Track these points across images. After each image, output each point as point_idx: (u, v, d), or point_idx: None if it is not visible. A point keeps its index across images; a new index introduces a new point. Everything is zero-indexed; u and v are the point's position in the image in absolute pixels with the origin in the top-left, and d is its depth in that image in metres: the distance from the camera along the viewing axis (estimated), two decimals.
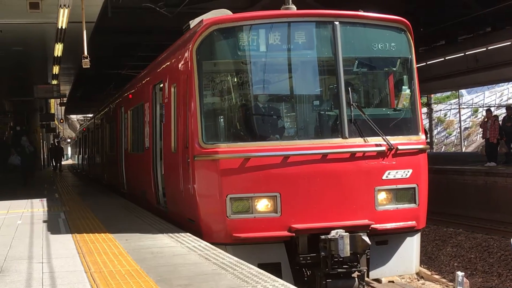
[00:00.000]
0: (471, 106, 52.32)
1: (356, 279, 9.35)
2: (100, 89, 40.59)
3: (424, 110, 46.02)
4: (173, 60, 11.20)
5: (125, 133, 17.93)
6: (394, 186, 9.71)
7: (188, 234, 9.82)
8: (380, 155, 9.62)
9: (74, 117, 77.82)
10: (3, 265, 7.95)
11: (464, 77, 31.31)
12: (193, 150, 9.60)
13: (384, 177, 9.61)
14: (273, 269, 8.69)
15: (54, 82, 27.14)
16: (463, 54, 29.21)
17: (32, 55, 22.74)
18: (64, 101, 40.62)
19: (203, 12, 10.89)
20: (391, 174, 9.66)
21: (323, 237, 9.03)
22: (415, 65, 10.35)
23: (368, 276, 9.85)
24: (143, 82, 14.85)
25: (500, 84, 46.95)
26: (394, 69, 10.41)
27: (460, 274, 11.57)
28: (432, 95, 50.47)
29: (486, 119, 23.42)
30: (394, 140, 9.71)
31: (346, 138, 9.53)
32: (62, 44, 18.55)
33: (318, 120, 10.00)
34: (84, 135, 38.04)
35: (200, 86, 9.62)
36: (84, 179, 33.38)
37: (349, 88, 9.63)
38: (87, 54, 15.44)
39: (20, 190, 21.55)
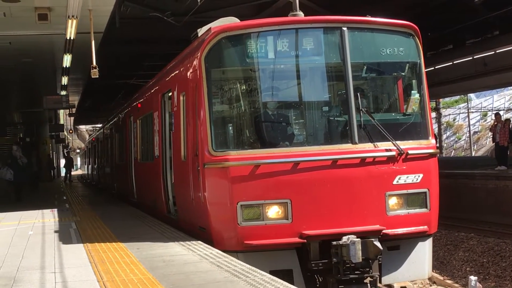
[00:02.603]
0: (480, 110, 52.16)
1: (369, 284, 9.31)
2: (109, 99, 40.69)
3: (433, 114, 45.85)
4: (181, 69, 11.22)
5: (134, 142, 17.96)
6: (405, 191, 9.67)
7: (199, 242, 9.81)
8: (390, 160, 9.59)
9: (83, 127, 77.99)
10: (16, 275, 7.96)
11: (472, 81, 31.16)
12: (203, 158, 9.60)
13: (394, 182, 9.58)
14: (285, 276, 8.69)
15: (63, 92, 27.26)
16: (471, 58, 29.10)
17: (41, 66, 22.85)
18: (73, 112, 40.75)
19: (210, 20, 10.88)
20: (402, 179, 9.62)
21: (334, 243, 9.01)
22: (424, 70, 10.32)
23: (380, 282, 9.81)
24: (152, 91, 14.89)
25: (509, 88, 46.76)
26: (403, 73, 10.38)
27: (473, 278, 11.55)
28: (441, 100, 50.33)
29: (495, 123, 23.34)
30: (404, 145, 9.68)
31: (356, 143, 9.51)
32: (71, 54, 18.63)
33: (328, 126, 9.97)
34: (94, 145, 38.13)
35: (209, 94, 9.64)
36: (94, 189, 33.45)
37: (358, 94, 9.63)
38: (96, 64, 15.54)
39: (15, 205, 20.63)
